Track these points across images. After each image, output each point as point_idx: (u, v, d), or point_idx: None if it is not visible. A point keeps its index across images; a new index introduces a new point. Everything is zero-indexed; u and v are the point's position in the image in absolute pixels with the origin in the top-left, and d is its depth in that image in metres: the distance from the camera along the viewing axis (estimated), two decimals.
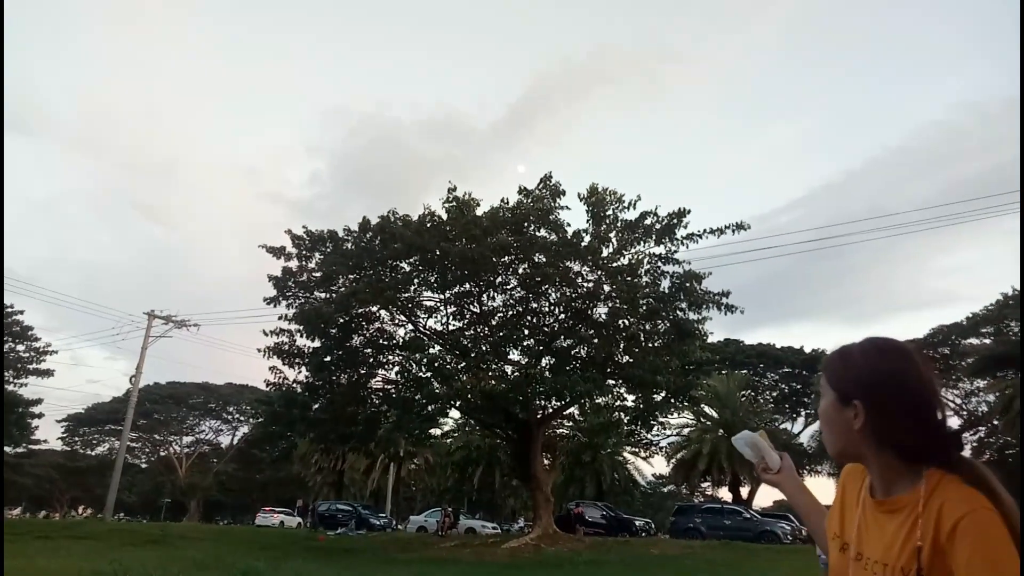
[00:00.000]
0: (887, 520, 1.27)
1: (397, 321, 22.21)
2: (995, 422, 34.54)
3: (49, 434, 75.48)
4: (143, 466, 67.65)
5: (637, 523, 31.15)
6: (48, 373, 36.80)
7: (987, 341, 36.49)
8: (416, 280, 21.04)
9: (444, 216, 20.07)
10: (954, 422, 39.07)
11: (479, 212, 20.04)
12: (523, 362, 21.14)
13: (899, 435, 1.25)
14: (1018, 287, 35.55)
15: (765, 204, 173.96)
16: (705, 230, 19.37)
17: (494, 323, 21.31)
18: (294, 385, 21.53)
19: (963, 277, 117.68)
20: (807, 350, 47.32)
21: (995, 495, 1.16)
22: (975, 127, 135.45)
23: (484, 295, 21.15)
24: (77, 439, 65.71)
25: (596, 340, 20.35)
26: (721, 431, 37.31)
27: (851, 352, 1.36)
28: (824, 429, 1.38)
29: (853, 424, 1.28)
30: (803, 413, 46.92)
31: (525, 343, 21.46)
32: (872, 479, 1.34)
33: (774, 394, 48.57)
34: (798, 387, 46.81)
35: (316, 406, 21.61)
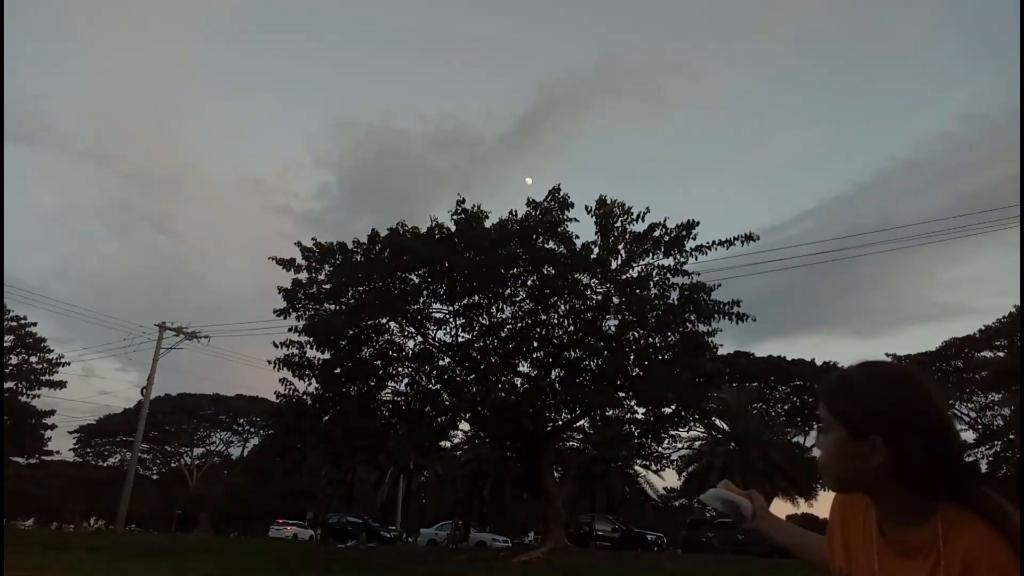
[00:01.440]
0: (902, 563, 1.22)
1: (407, 333, 22.24)
2: (1011, 436, 34.11)
3: (61, 445, 75.95)
4: (154, 477, 67.83)
5: (649, 537, 30.93)
6: (60, 384, 37.07)
7: (1001, 354, 36.14)
8: (425, 292, 21.07)
9: (453, 228, 20.13)
10: (969, 436, 38.62)
11: (488, 224, 20.08)
12: (533, 374, 21.09)
13: (918, 470, 1.18)
14: None
15: (774, 216, 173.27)
16: (714, 242, 19.30)
17: (503, 335, 21.29)
18: (304, 397, 21.55)
19: (974, 289, 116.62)
20: (818, 362, 47.02)
21: (1018, 534, 1.11)
22: (982, 138, 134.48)
23: (493, 307, 21.15)
24: (89, 450, 66.04)
25: (606, 352, 20.28)
26: (733, 444, 37.08)
27: (854, 380, 1.27)
28: (830, 462, 1.29)
29: (870, 460, 1.21)
30: (815, 426, 46.48)
31: (534, 355, 21.43)
32: (880, 515, 1.28)
33: (785, 407, 48.22)
34: (809, 400, 46.44)
35: (326, 418, 21.63)
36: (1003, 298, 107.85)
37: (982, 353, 37.66)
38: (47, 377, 36.82)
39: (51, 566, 15.84)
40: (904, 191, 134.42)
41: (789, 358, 48.15)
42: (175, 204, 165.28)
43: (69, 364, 37.60)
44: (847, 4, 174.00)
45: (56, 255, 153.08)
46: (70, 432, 62.05)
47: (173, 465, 66.62)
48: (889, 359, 1.35)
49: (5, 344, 34.24)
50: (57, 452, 52.74)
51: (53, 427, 40.57)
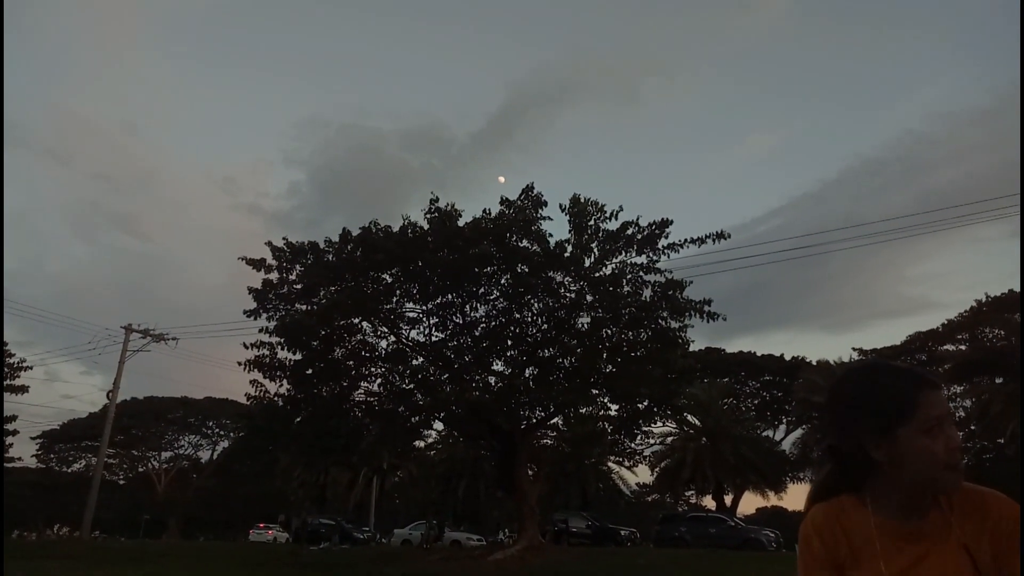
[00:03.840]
0: (912, 547, 1.29)
1: (379, 333, 22.08)
2: (972, 427, 35.03)
3: (23, 451, 74.08)
4: (121, 483, 66.50)
5: (622, 532, 31.13)
6: (23, 389, 36.14)
7: (963, 347, 37.10)
8: (398, 291, 20.94)
9: (426, 227, 20.03)
10: None
11: (461, 223, 20.03)
12: (507, 373, 21.10)
13: None
14: (991, 293, 36.22)
15: (745, 213, 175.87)
16: (686, 240, 19.45)
17: (477, 334, 21.26)
18: (275, 398, 21.28)
19: (939, 284, 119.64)
20: (787, 358, 47.76)
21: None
22: (946, 137, 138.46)
23: (467, 306, 21.11)
24: (52, 456, 64.49)
25: (579, 350, 20.37)
26: (704, 439, 37.50)
27: None
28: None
29: None
30: (784, 420, 47.29)
31: (508, 354, 21.43)
32: (897, 510, 1.33)
33: (755, 402, 48.90)
34: (779, 394, 47.19)
35: (298, 419, 21.40)
36: (965, 292, 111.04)
37: (945, 346, 38.62)
38: (8, 382, 35.87)
39: None
40: (870, 188, 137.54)
41: (759, 353, 48.84)
42: (142, 204, 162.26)
43: (31, 368, 36.68)
44: (815, 7, 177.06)
45: (16, 256, 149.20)
46: (33, 438, 60.69)
47: (140, 470, 65.37)
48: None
49: None
50: (19, 459, 51.49)
51: (15, 433, 39.53)
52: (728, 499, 38.92)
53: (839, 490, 1.42)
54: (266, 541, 38.26)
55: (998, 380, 33.09)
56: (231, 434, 60.10)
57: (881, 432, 1.30)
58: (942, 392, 1.30)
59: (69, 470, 64.98)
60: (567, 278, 20.07)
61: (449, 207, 20.15)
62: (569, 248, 19.84)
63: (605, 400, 21.93)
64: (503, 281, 20.42)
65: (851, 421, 1.35)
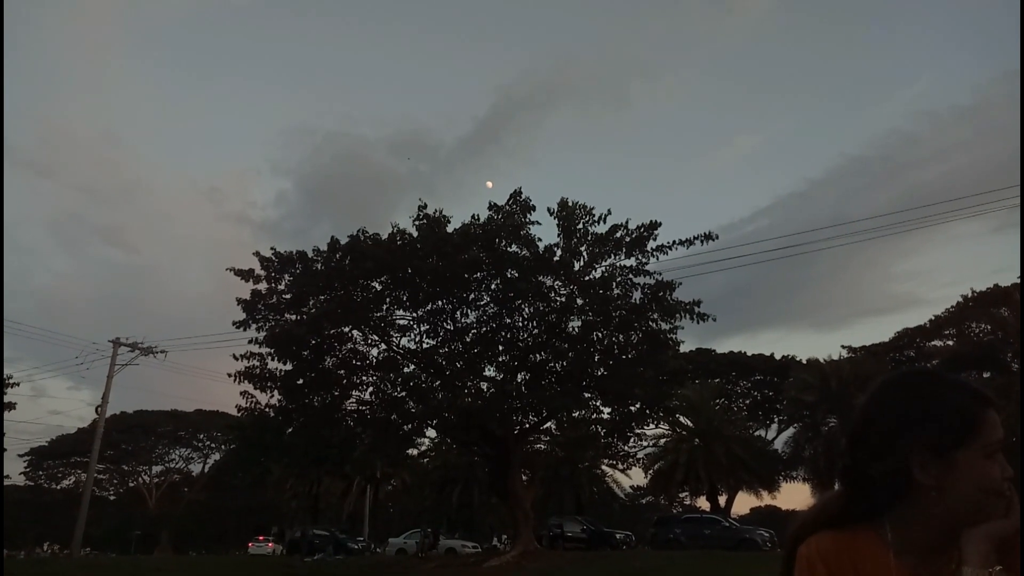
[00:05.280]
0: None
1: (370, 341, 22.01)
2: None
3: (11, 469, 73.32)
4: (111, 498, 65.92)
5: (618, 536, 31.12)
6: (10, 406, 35.67)
7: (950, 343, 37.42)
8: (388, 299, 20.89)
9: (415, 234, 20.01)
10: None
11: (450, 229, 20.03)
12: (499, 378, 21.07)
13: None
14: (976, 289, 36.58)
15: (732, 214, 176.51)
16: (674, 241, 19.56)
17: (468, 340, 21.23)
18: (266, 409, 21.15)
19: (923, 281, 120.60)
20: (777, 357, 47.98)
21: None
22: (929, 135, 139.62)
23: (457, 312, 21.09)
24: (41, 473, 63.84)
25: (571, 354, 20.38)
26: (697, 440, 37.57)
27: None
28: None
29: None
30: (776, 419, 47.47)
31: (500, 359, 21.41)
32: (923, 548, 1.16)
33: (747, 402, 49.06)
34: (770, 394, 47.37)
35: (289, 430, 21.27)
36: (951, 288, 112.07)
37: (932, 342, 38.93)
38: None
39: None
40: (856, 187, 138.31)
41: (749, 353, 49.01)
42: (127, 216, 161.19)
43: (18, 384, 36.20)
44: (797, 7, 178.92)
45: None
46: (20, 455, 59.99)
47: (131, 484, 64.81)
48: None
49: None
50: (7, 476, 50.90)
51: (2, 451, 39.01)
52: (722, 500, 39.00)
53: (847, 519, 1.23)
54: (266, 554, 37.97)
55: (985, 375, 33.41)
56: (222, 446, 59.67)
57: (936, 452, 1.13)
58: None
59: (58, 487, 64.42)
60: (557, 282, 20.10)
61: (437, 213, 20.16)
62: (558, 252, 19.88)
63: (597, 403, 21.94)
64: (493, 286, 20.43)
65: (900, 437, 1.16)
